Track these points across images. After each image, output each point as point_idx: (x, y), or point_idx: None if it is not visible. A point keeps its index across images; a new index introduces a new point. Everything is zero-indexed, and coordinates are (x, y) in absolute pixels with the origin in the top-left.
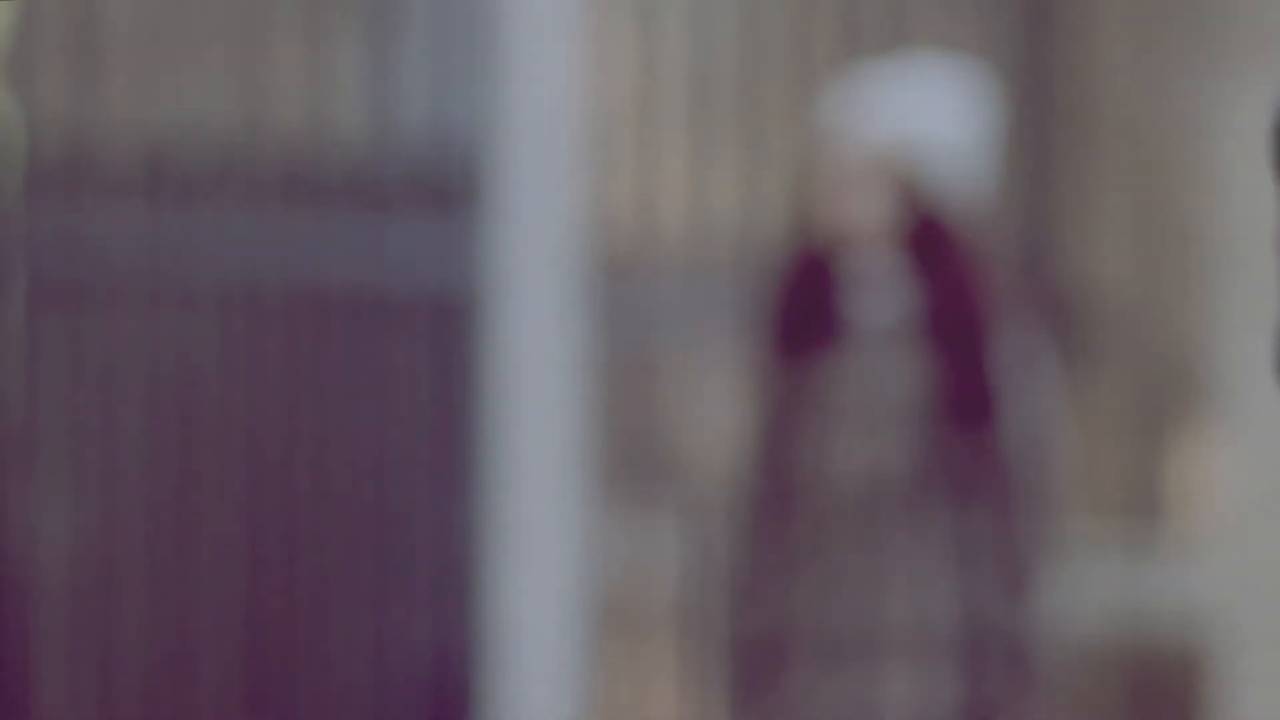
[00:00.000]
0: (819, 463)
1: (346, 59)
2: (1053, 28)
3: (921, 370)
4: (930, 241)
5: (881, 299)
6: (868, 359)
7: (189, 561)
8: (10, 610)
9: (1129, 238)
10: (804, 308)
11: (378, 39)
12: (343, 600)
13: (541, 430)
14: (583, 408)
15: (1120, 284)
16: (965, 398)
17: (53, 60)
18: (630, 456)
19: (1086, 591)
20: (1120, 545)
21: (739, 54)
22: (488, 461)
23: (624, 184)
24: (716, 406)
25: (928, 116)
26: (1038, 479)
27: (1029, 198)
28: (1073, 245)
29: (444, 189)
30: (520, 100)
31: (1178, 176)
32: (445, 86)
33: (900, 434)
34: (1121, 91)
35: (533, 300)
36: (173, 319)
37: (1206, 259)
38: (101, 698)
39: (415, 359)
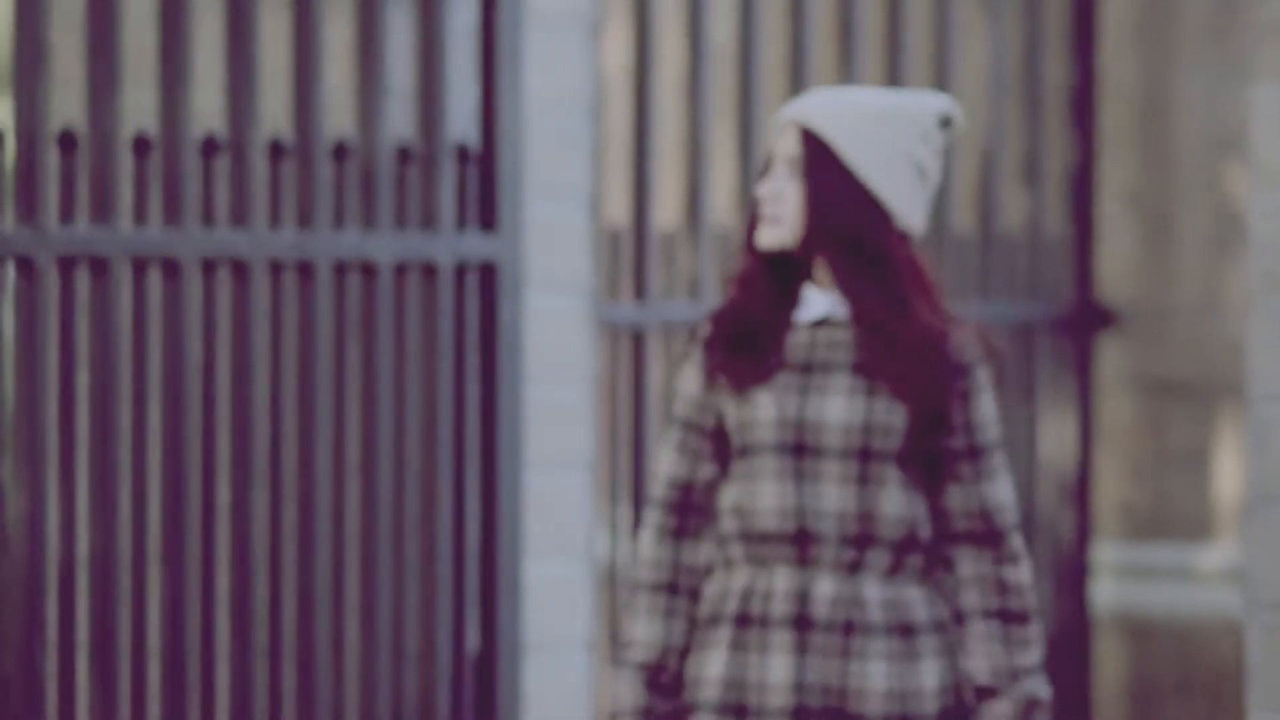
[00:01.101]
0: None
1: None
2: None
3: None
4: (857, 259)
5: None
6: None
7: (241, 545)
8: (37, 605)
9: (1152, 248)
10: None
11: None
12: (392, 589)
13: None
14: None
15: (1147, 299)
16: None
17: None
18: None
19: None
20: (1157, 566)
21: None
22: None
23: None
24: None
25: (842, 112)
26: (1004, 511)
27: (1051, 207)
28: (1104, 259)
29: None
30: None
31: (1204, 185)
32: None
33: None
34: (1143, 99)
35: (564, 275)
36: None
37: (1239, 271)
38: (135, 694)
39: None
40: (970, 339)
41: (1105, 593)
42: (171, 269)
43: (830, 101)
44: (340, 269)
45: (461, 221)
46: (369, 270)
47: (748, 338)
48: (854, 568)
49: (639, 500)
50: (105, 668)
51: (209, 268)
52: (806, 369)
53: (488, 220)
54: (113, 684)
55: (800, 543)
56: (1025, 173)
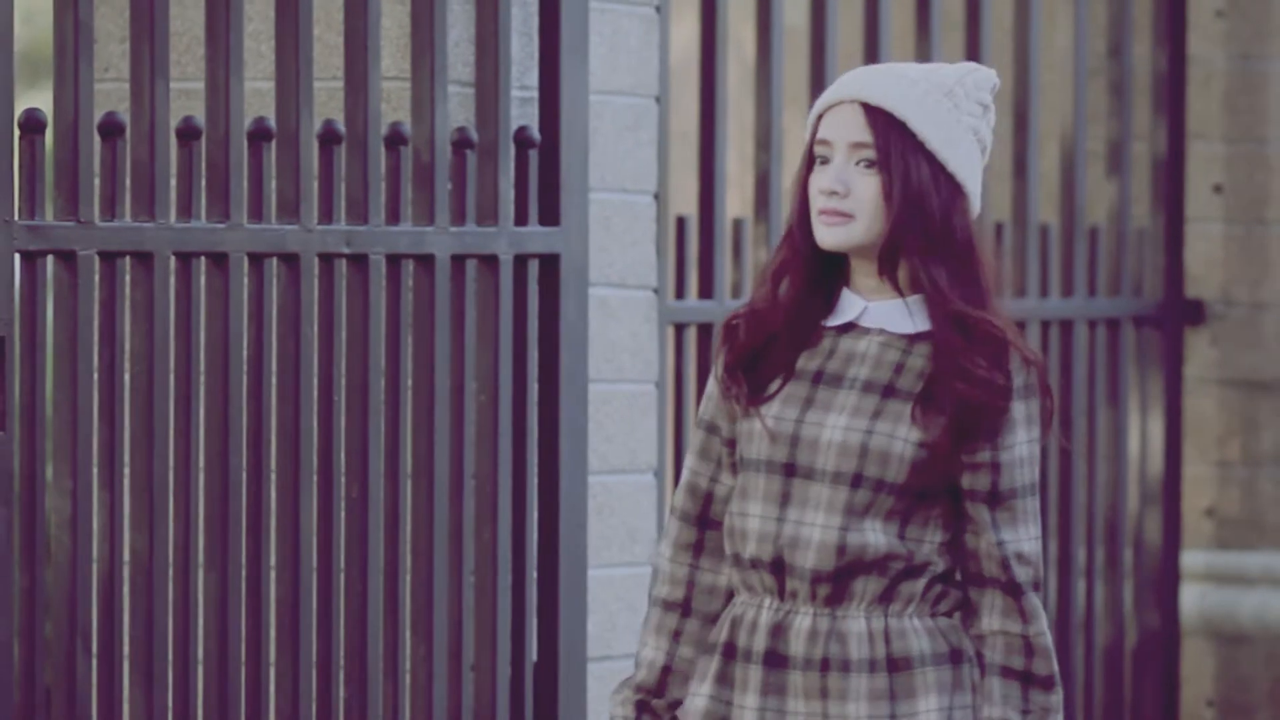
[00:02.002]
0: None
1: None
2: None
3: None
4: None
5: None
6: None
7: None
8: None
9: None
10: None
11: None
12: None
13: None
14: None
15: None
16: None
17: None
18: None
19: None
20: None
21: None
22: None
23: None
24: None
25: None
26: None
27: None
28: (1197, 256)
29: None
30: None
31: None
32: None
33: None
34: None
35: (624, 265)
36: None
37: None
38: (180, 705)
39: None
40: (1030, 359)
41: (1192, 600)
42: (219, 263)
43: (885, 78)
44: (395, 262)
45: (522, 214)
46: (425, 263)
47: (766, 344)
48: (835, 600)
49: None
50: (149, 678)
51: (257, 262)
52: (816, 380)
53: (549, 213)
54: (157, 695)
55: (779, 572)
56: (1111, 162)
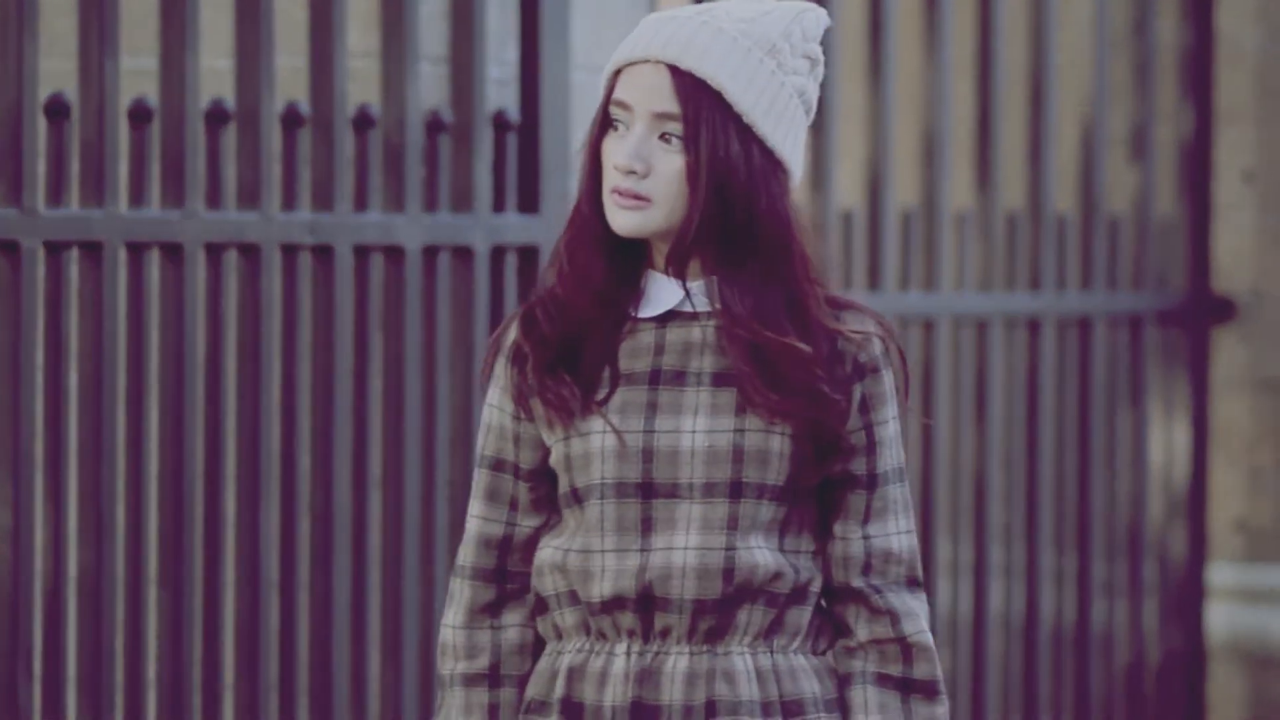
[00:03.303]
0: None
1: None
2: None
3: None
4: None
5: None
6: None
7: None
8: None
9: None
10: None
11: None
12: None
13: None
14: None
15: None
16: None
17: None
18: None
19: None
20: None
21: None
22: None
23: None
24: None
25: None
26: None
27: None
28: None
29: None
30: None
31: None
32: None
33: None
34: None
35: None
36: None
37: None
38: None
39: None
40: (872, 331)
41: (1219, 617)
42: (173, 254)
43: (701, 33)
44: (362, 253)
45: (499, 201)
46: (394, 255)
47: (571, 346)
48: (717, 635)
49: None
50: (97, 702)
51: (215, 252)
52: (653, 381)
53: (528, 199)
54: (105, 718)
55: (645, 610)
56: (1133, 147)
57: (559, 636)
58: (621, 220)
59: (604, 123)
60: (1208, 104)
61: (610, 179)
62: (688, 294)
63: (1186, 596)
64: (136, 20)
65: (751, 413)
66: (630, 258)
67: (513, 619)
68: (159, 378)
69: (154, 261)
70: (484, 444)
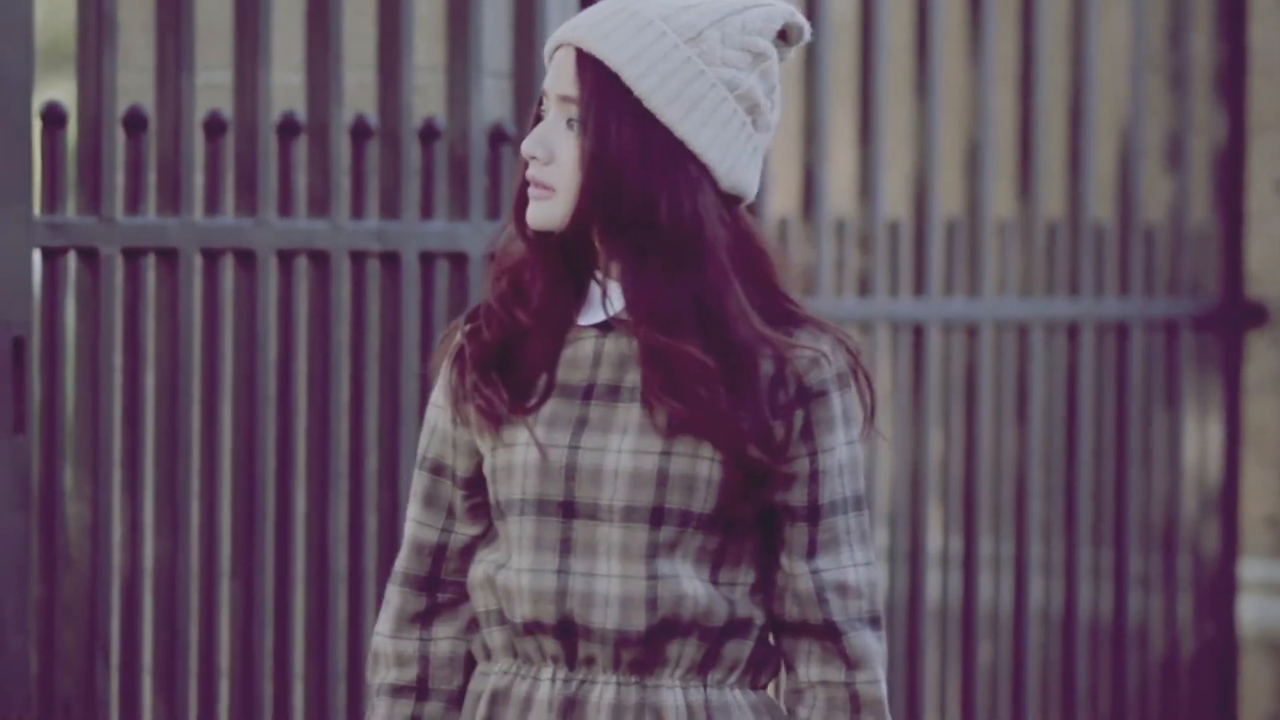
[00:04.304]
0: None
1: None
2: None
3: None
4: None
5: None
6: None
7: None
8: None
9: None
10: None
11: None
12: None
13: None
14: None
15: None
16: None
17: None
18: None
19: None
20: None
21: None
22: None
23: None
24: None
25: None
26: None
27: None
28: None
29: None
30: None
31: None
32: None
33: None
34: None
35: None
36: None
37: None
38: (203, 718)
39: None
40: (824, 350)
41: (1251, 612)
42: (246, 261)
43: (614, 18)
44: (427, 260)
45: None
46: (458, 261)
47: (509, 351)
48: (645, 667)
49: None
50: (172, 690)
51: (286, 259)
52: (586, 395)
53: None
54: (180, 707)
55: (567, 636)
56: (1168, 157)
57: (487, 656)
58: (531, 211)
59: (536, 118)
60: (1241, 115)
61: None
62: (605, 293)
63: (1219, 590)
64: (211, 37)
65: (682, 435)
66: (578, 259)
67: (445, 630)
68: (232, 378)
69: (228, 267)
70: (425, 445)
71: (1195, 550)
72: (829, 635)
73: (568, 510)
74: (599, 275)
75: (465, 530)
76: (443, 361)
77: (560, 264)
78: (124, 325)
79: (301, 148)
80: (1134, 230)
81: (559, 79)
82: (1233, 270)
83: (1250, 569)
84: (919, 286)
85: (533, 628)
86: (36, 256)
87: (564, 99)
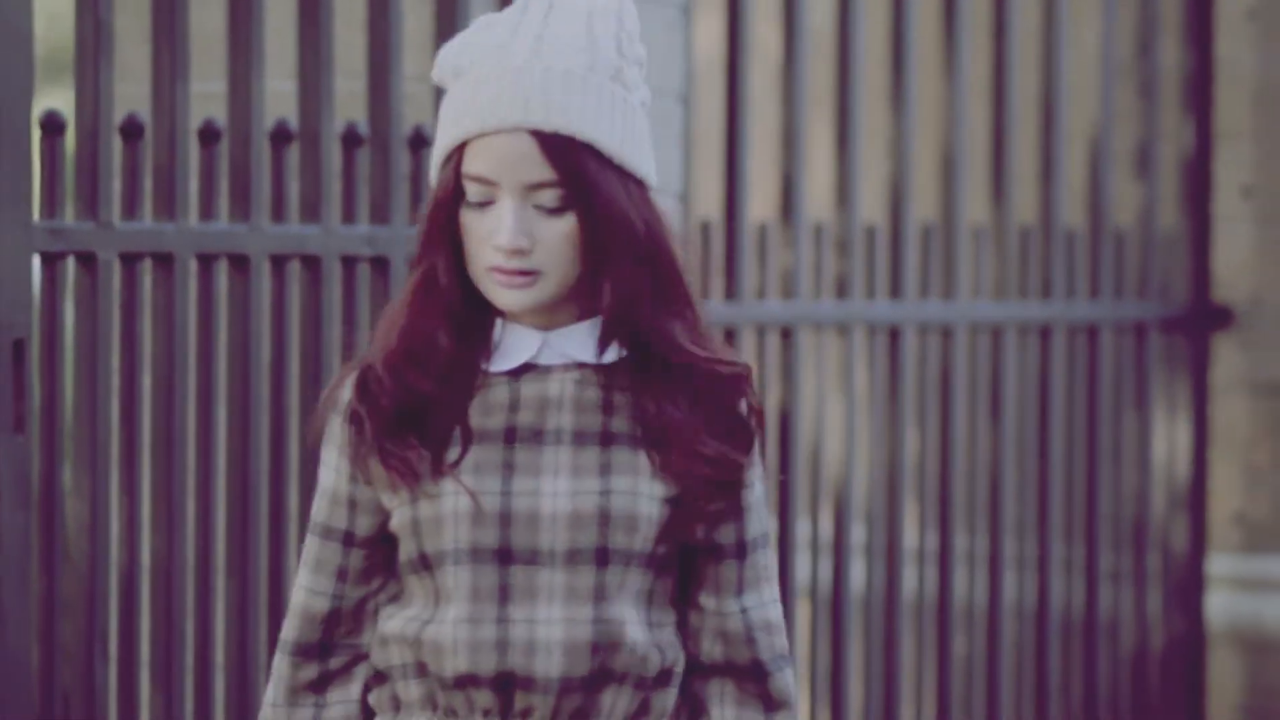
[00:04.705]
0: None
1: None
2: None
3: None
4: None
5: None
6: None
7: None
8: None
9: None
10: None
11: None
12: None
13: None
14: None
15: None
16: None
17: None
18: None
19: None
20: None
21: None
22: None
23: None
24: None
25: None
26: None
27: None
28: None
29: None
30: None
31: None
32: None
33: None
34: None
35: None
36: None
37: None
38: (199, 709)
39: None
40: (746, 378)
41: (1219, 606)
42: (240, 264)
43: (555, 85)
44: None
45: None
46: None
47: (419, 405)
48: (582, 716)
49: None
50: (169, 682)
51: (279, 263)
52: (508, 439)
53: None
54: (176, 699)
55: (505, 689)
56: (1138, 164)
57: (396, 709)
58: (511, 299)
59: (456, 192)
60: (1208, 123)
61: (486, 258)
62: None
63: (1188, 586)
64: (205, 47)
65: (620, 470)
66: (477, 309)
67: (338, 695)
68: (226, 379)
69: (222, 271)
70: (316, 509)
71: (1164, 546)
72: (753, 676)
73: (504, 557)
74: (516, 324)
75: (356, 593)
76: (330, 416)
77: (467, 313)
78: (121, 327)
79: (294, 155)
80: (1104, 235)
81: (521, 167)
82: (1200, 274)
83: (1218, 564)
84: (895, 290)
85: (465, 681)
86: (36, 261)
87: (534, 186)
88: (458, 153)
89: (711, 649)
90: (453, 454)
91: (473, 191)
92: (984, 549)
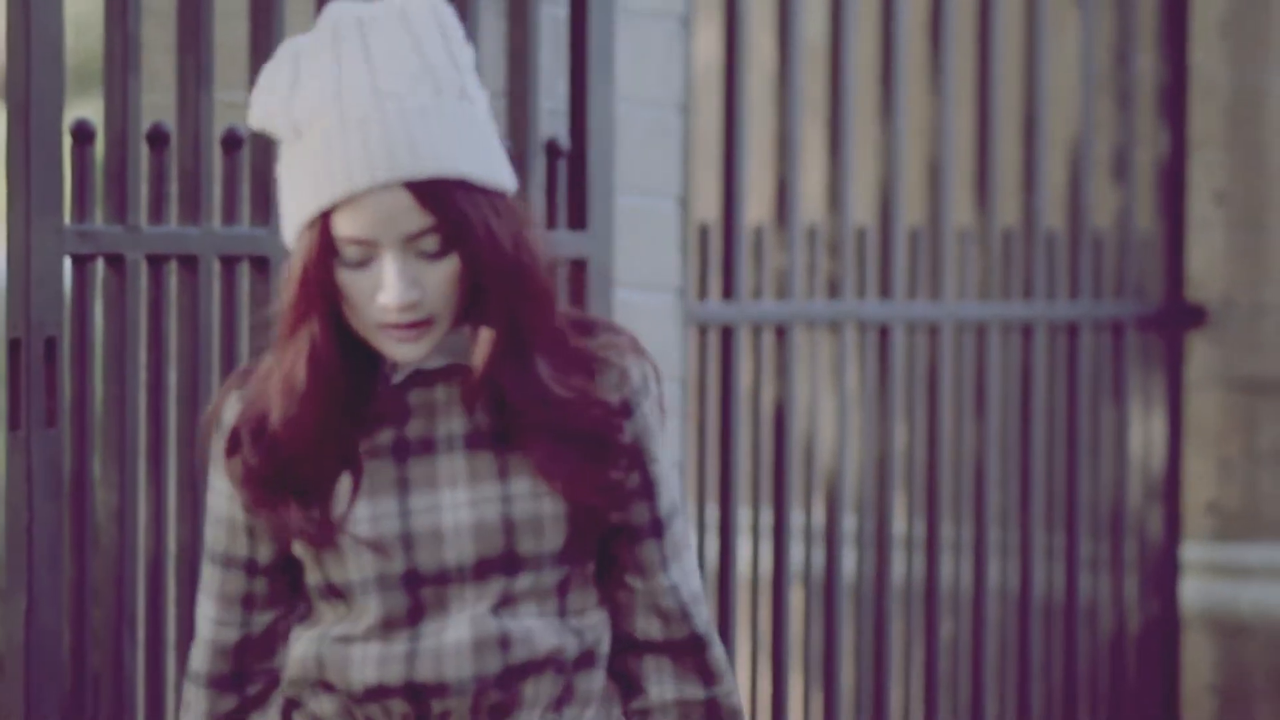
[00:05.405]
0: None
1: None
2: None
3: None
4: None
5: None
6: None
7: None
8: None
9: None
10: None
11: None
12: None
13: None
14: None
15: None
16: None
17: None
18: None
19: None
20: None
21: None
22: None
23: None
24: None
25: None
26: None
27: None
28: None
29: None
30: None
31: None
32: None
33: None
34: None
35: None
36: None
37: None
38: None
39: None
40: (627, 356)
41: (1192, 592)
42: (260, 266)
43: (415, 126)
44: None
45: (551, 218)
46: None
47: (311, 434)
48: (503, 712)
49: (727, 501)
50: None
51: None
52: (399, 454)
53: (578, 218)
54: None
55: (418, 698)
56: (1115, 170)
57: None
58: (407, 351)
59: (328, 257)
60: (1182, 131)
61: (375, 316)
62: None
63: (1163, 572)
64: (229, 58)
65: (515, 476)
66: (356, 357)
67: (259, 717)
68: None
69: (244, 273)
70: (212, 537)
71: (1141, 534)
72: (692, 649)
73: (411, 580)
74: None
75: (264, 618)
76: (214, 437)
77: (343, 362)
78: (148, 326)
79: None
80: (1083, 238)
81: (399, 220)
82: (1174, 275)
83: (1191, 551)
84: (885, 290)
85: (377, 693)
86: (67, 263)
87: (414, 236)
88: (322, 222)
89: (647, 627)
90: (342, 492)
91: (349, 253)
92: (969, 537)
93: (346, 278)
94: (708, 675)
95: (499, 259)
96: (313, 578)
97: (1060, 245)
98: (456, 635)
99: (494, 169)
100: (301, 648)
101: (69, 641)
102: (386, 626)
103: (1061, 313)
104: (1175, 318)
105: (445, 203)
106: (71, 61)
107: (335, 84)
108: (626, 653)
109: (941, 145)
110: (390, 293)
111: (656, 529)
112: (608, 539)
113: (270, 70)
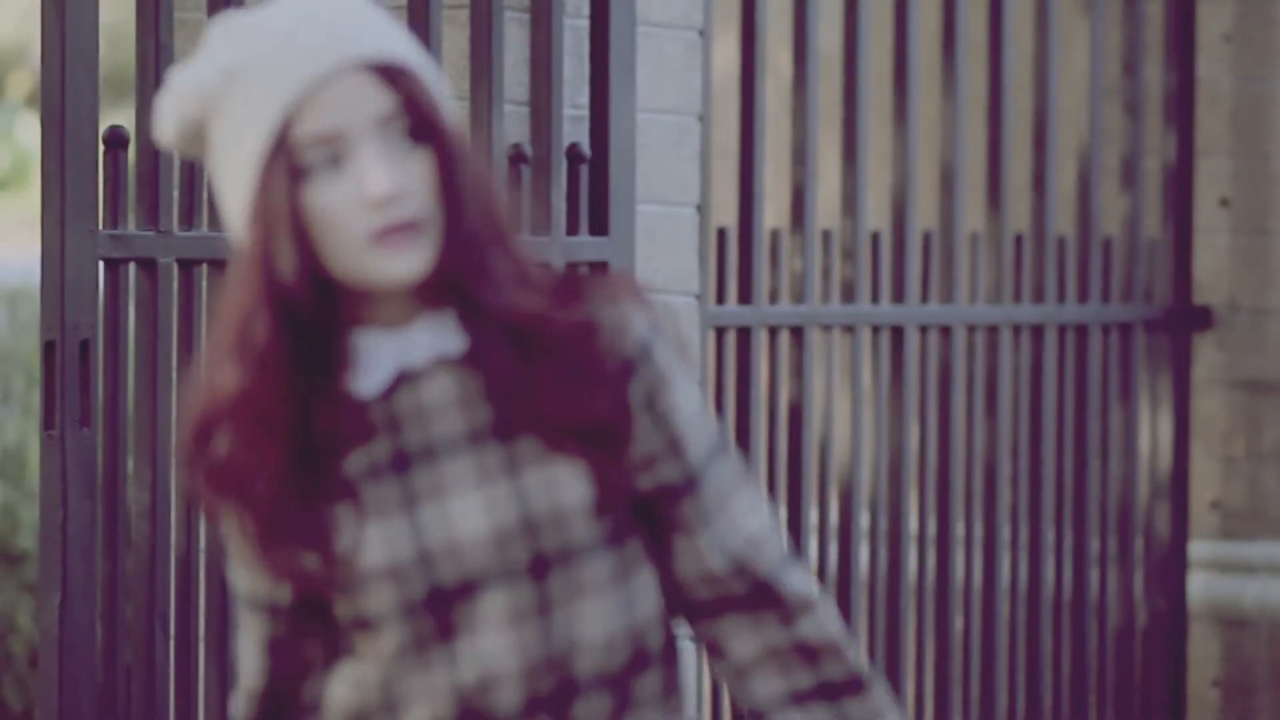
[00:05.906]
0: None
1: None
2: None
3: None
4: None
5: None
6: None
7: None
8: None
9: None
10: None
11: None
12: None
13: None
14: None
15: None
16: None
17: None
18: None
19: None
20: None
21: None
22: None
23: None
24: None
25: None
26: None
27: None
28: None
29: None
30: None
31: None
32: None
33: None
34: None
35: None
36: None
37: None
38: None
39: None
40: (623, 303)
41: (1198, 587)
42: None
43: (343, 12)
44: None
45: (573, 225)
46: None
47: (291, 492)
48: None
49: None
50: (223, 659)
51: None
52: (400, 467)
53: (599, 223)
54: (230, 675)
55: None
56: (1124, 177)
57: None
58: (404, 264)
59: (294, 177)
60: (1189, 139)
61: (359, 225)
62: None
63: (1170, 568)
64: None
65: (526, 468)
66: (322, 327)
67: None
68: None
69: None
70: (236, 578)
71: (1148, 531)
72: (759, 596)
73: (436, 599)
74: (373, 327)
75: (296, 661)
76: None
77: (298, 335)
78: (179, 328)
79: None
80: (1093, 242)
81: (362, 105)
82: (1181, 278)
83: (1197, 549)
84: (898, 293)
85: None
86: (100, 267)
87: (381, 121)
88: (281, 130)
89: (704, 589)
90: (345, 519)
91: (316, 156)
92: (981, 534)
93: (319, 195)
94: (783, 615)
95: (464, 153)
96: (340, 609)
97: (1070, 249)
98: (505, 662)
99: (432, 69)
100: (340, 691)
101: (102, 636)
102: (420, 653)
103: (1071, 315)
104: (1182, 320)
105: (409, 85)
106: (105, 71)
107: (256, 24)
108: (697, 619)
109: (954, 152)
110: (374, 176)
111: (690, 485)
112: (649, 507)
113: (168, 88)
